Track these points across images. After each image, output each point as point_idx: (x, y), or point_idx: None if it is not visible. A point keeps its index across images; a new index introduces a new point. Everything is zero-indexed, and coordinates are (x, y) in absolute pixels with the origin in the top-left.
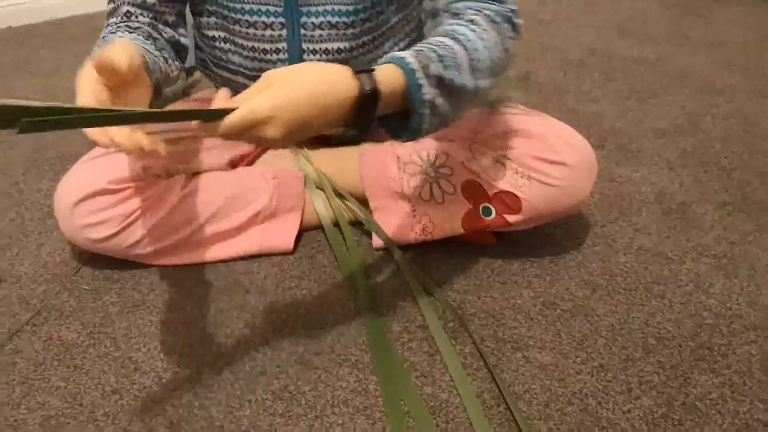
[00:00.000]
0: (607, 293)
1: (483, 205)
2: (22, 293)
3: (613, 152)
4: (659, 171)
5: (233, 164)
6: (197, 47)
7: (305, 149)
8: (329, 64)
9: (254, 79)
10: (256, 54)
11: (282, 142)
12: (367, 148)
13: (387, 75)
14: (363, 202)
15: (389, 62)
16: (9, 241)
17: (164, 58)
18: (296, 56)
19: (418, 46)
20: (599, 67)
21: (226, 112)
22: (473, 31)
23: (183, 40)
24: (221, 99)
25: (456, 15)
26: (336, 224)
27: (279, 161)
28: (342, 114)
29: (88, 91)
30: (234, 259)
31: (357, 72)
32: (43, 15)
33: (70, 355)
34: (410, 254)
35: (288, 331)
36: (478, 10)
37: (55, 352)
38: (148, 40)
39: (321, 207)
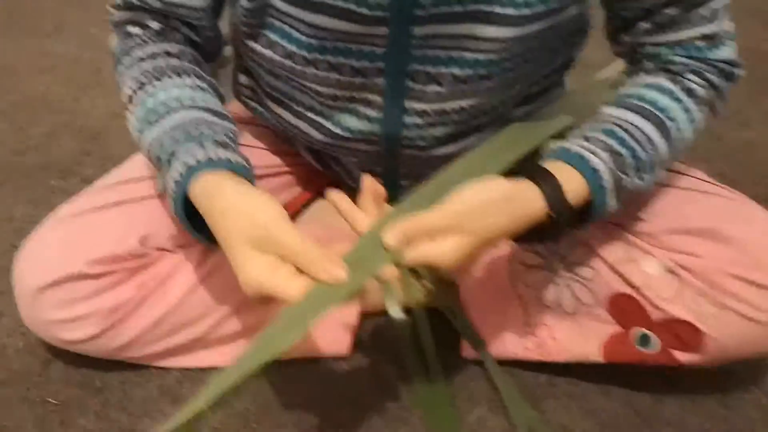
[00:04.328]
0: None
1: (639, 331)
2: None
3: None
4: None
5: None
6: (240, 69)
7: None
8: (513, 183)
9: (319, 128)
10: (336, 103)
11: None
12: None
13: (573, 190)
14: (451, 288)
15: (572, 164)
16: None
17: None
18: (391, 114)
19: (612, 134)
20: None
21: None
22: (687, 111)
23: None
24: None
25: (669, 72)
26: (409, 312)
27: (335, 217)
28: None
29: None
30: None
31: (542, 188)
32: None
33: None
34: (516, 376)
35: None
36: (700, 72)
37: None
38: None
39: (391, 289)
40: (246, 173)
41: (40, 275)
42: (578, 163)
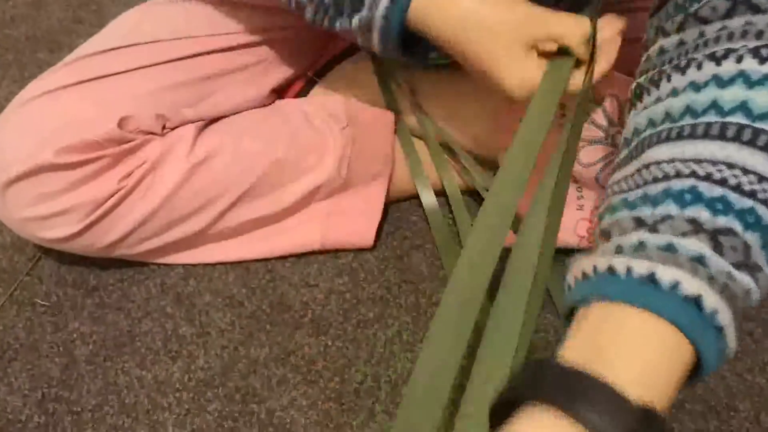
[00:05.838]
0: None
1: None
2: None
3: None
4: None
5: (278, 93)
6: None
7: (401, 73)
8: None
9: None
10: None
11: None
12: None
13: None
14: (494, 168)
15: (640, 303)
16: None
17: None
18: None
19: (697, 197)
20: None
21: None
22: None
23: None
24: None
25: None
26: (445, 199)
27: (359, 90)
28: None
29: None
30: (281, 258)
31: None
32: None
33: None
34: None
35: (367, 391)
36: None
37: None
38: None
39: (422, 172)
40: None
41: (3, 168)
42: (650, 299)
